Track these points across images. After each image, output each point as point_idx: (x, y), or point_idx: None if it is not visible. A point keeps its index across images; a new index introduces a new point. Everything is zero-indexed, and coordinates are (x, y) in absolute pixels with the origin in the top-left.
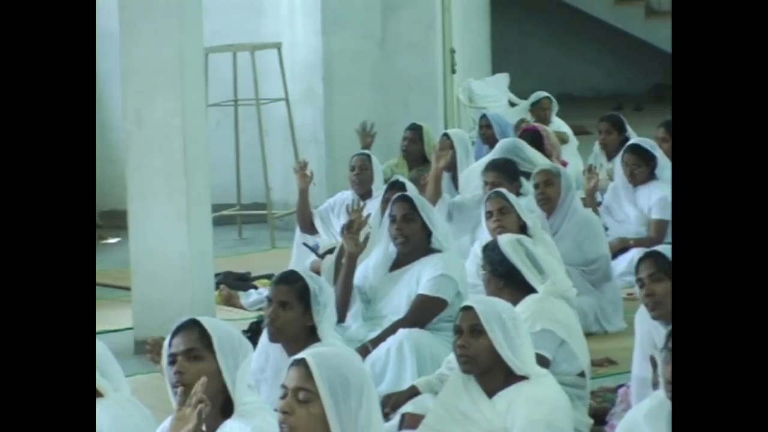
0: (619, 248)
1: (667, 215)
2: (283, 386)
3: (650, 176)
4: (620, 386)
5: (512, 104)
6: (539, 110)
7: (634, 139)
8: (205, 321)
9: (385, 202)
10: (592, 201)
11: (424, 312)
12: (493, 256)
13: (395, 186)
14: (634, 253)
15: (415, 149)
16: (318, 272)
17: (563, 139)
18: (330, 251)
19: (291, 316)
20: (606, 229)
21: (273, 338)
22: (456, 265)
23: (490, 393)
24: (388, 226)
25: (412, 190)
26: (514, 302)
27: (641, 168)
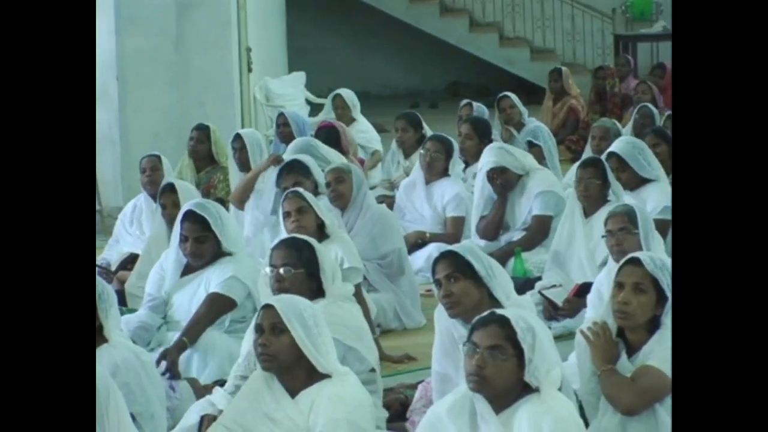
0: (416, 241)
1: (462, 212)
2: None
3: (444, 172)
4: (420, 382)
5: (309, 103)
6: (337, 108)
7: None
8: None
9: (163, 207)
10: None
11: (212, 308)
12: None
13: (167, 189)
14: (432, 250)
15: (202, 149)
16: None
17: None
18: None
19: None
20: None
21: None
22: (247, 267)
23: (293, 392)
24: (180, 243)
25: (184, 191)
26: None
27: (442, 159)
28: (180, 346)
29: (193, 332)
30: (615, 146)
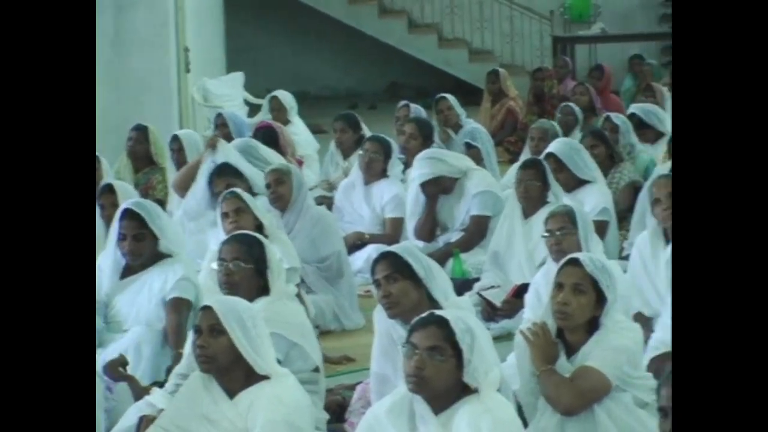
0: (354, 242)
1: (401, 213)
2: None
3: (383, 173)
4: (359, 383)
5: (248, 103)
6: (273, 110)
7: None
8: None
9: (101, 207)
10: None
11: (182, 312)
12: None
13: (105, 190)
14: (371, 251)
15: (140, 150)
16: None
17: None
18: None
19: None
20: None
21: None
22: (191, 267)
23: (232, 393)
24: (118, 241)
25: (123, 192)
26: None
27: (381, 160)
28: (176, 357)
29: (180, 342)
30: (552, 147)
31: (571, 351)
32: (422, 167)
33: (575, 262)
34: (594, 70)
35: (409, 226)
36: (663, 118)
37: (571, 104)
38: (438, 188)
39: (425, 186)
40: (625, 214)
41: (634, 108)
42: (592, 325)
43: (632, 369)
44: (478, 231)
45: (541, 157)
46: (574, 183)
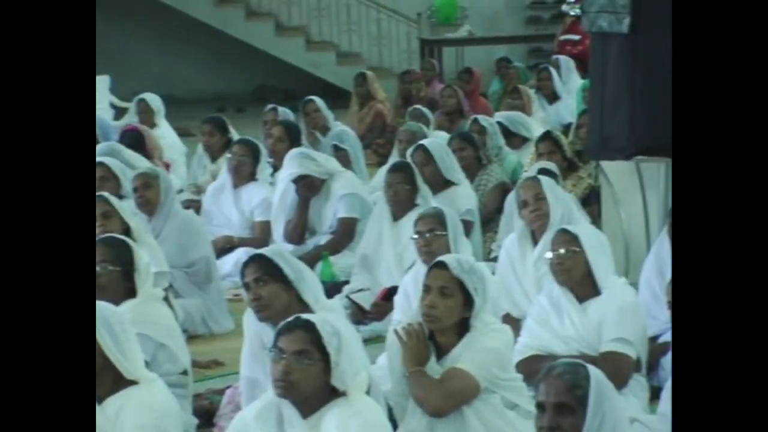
0: (223, 246)
1: (269, 216)
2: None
3: (252, 177)
4: (228, 387)
5: (114, 107)
6: (141, 113)
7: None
8: None
9: None
10: None
11: None
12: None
13: None
14: (240, 254)
15: None
16: None
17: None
18: None
19: None
20: None
21: None
22: None
23: (100, 398)
24: None
25: None
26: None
27: (249, 163)
28: None
29: None
30: (425, 141)
31: (441, 353)
32: (291, 166)
33: (442, 265)
34: (463, 72)
35: (277, 227)
36: (528, 124)
37: (419, 107)
38: (310, 188)
39: (299, 185)
40: (493, 216)
41: (499, 117)
42: (462, 327)
43: (501, 371)
44: (345, 233)
45: (410, 151)
46: (440, 183)
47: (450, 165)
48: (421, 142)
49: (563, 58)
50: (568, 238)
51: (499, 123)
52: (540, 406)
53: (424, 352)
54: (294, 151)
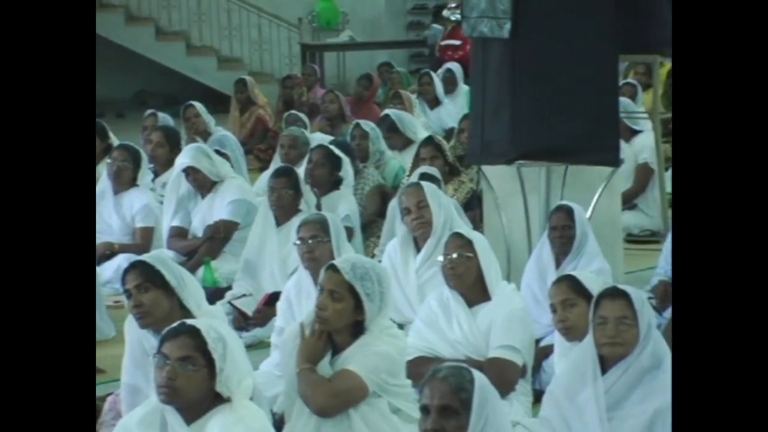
0: (104, 252)
1: (151, 222)
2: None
3: (133, 182)
4: (109, 394)
5: None
6: None
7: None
8: None
9: None
10: None
11: None
12: None
13: None
14: (121, 261)
15: None
16: None
17: None
18: None
19: None
20: None
21: None
22: None
23: None
24: None
25: None
26: None
27: (130, 168)
28: None
29: None
30: (330, 142)
31: (335, 352)
32: (185, 156)
33: (334, 269)
34: (362, 78)
35: (165, 224)
36: (415, 127)
37: (294, 111)
38: (199, 184)
39: (188, 178)
40: (374, 220)
41: (388, 111)
42: (357, 329)
43: (391, 376)
44: (224, 236)
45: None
46: (327, 185)
47: (345, 167)
48: (324, 143)
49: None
50: (461, 242)
51: (387, 116)
52: (424, 409)
53: (320, 350)
54: (194, 144)
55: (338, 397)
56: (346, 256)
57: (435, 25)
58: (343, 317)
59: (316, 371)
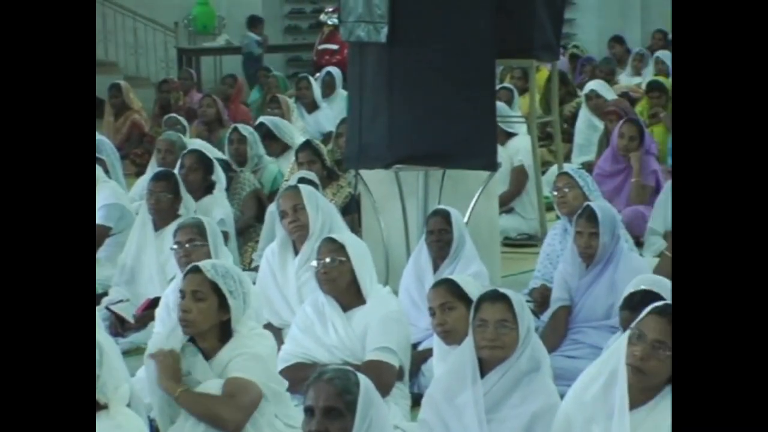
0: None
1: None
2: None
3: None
4: None
5: None
6: None
7: None
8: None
9: None
10: None
11: None
12: None
13: None
14: None
15: None
16: None
17: None
18: None
19: None
20: None
21: None
22: None
23: None
24: None
25: None
26: None
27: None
28: None
29: None
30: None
31: (207, 358)
32: None
33: (196, 269)
34: (227, 77)
35: None
36: (291, 132)
37: (174, 115)
38: None
39: None
40: (251, 223)
41: (263, 119)
42: (224, 332)
43: (270, 380)
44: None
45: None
46: (201, 189)
47: (214, 170)
48: (194, 147)
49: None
50: (334, 247)
51: (261, 125)
52: (309, 410)
53: (177, 367)
54: None
55: (247, 409)
56: (207, 260)
57: (250, 34)
58: (209, 318)
59: (193, 392)
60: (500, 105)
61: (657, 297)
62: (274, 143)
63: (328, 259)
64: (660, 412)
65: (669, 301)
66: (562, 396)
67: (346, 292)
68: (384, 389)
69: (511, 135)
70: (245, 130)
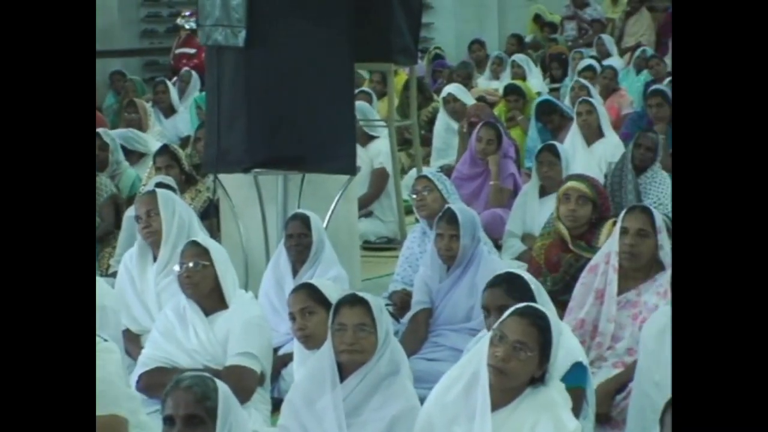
0: None
1: None
2: None
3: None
4: None
5: None
6: None
7: None
8: None
9: None
10: None
11: None
12: None
13: None
14: None
15: None
16: None
17: None
18: None
19: None
20: None
21: None
22: None
23: None
24: None
25: None
26: None
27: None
28: None
29: None
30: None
31: None
32: None
33: None
34: None
35: None
36: (144, 140)
37: None
38: None
39: None
40: (110, 230)
41: (115, 134)
42: None
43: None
44: None
45: None
46: None
47: None
48: None
49: (191, 72)
50: (198, 251)
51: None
52: (169, 420)
53: None
54: None
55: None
56: None
57: None
58: None
59: None
60: (363, 105)
61: (517, 278)
62: (129, 154)
63: (191, 263)
64: (521, 413)
65: (527, 286)
66: (422, 399)
67: (209, 297)
68: (245, 394)
69: (372, 137)
70: (107, 135)
